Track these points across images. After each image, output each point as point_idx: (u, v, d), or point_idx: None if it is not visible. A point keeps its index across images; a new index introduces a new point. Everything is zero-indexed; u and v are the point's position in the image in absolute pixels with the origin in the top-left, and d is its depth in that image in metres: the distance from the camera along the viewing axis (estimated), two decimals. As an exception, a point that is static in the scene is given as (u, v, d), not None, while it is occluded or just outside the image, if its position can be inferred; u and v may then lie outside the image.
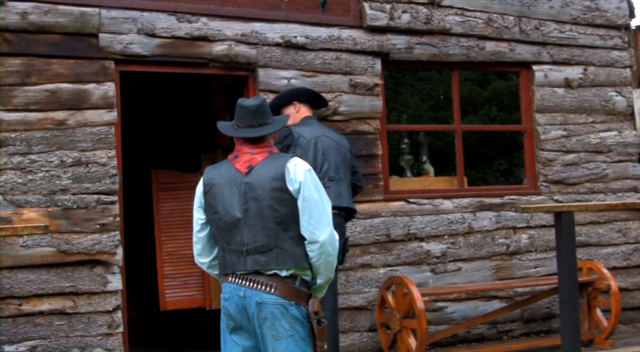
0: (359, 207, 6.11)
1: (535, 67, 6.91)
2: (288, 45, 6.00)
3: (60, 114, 5.30)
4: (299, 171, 3.15)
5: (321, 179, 3.81)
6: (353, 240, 6.06)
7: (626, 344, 6.18)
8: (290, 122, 4.96)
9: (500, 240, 6.60)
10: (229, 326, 3.21)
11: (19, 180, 5.16)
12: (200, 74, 5.94)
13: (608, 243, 7.02)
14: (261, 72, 5.90)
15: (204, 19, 5.76)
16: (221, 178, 3.24)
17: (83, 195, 5.28)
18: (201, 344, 6.67)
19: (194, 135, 8.63)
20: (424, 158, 8.13)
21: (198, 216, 3.32)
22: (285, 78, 5.96)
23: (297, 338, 3.08)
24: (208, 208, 3.27)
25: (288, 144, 4.90)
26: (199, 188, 3.32)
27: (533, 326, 6.73)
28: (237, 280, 3.17)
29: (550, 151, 6.87)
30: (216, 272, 3.38)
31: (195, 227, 3.33)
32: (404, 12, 6.41)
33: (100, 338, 5.25)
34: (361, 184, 5.32)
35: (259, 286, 3.11)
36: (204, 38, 5.74)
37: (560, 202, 6.76)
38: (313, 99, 5.28)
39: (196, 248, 3.36)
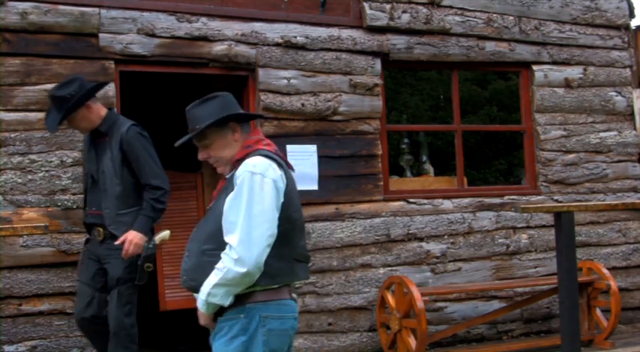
0: (359, 207, 6.12)
1: (535, 67, 6.90)
2: (288, 45, 6.00)
3: (60, 114, 5.29)
4: None
5: None
6: (353, 240, 6.07)
7: (626, 344, 6.18)
8: (88, 125, 4.55)
9: (500, 240, 6.60)
10: (282, 350, 2.81)
11: (19, 180, 5.16)
12: (200, 74, 5.95)
13: (608, 243, 7.02)
14: (261, 72, 5.90)
15: (204, 19, 5.76)
16: (289, 173, 2.91)
17: (83, 195, 5.27)
18: (201, 344, 6.67)
19: (194, 135, 8.61)
20: (424, 158, 8.14)
21: (277, 215, 2.75)
22: (285, 78, 5.96)
23: None
24: (288, 205, 2.80)
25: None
26: (280, 182, 2.79)
27: (533, 326, 6.73)
28: (292, 295, 2.86)
29: (550, 151, 6.87)
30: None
31: (273, 228, 2.71)
32: (404, 12, 6.41)
33: (100, 338, 5.24)
34: (155, 183, 4.48)
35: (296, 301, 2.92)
36: (204, 38, 5.74)
37: (560, 202, 6.76)
38: (98, 89, 4.73)
39: (265, 252, 2.69)
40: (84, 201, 4.75)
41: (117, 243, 4.37)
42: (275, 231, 2.71)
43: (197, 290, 2.77)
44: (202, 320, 2.82)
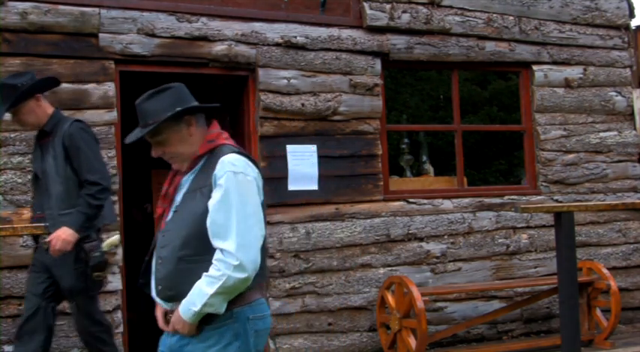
0: (359, 207, 6.12)
1: (535, 67, 6.90)
2: (288, 45, 6.00)
3: (60, 114, 5.28)
4: None
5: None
6: (353, 240, 6.06)
7: (626, 344, 6.18)
8: (35, 120, 4.35)
9: (500, 240, 6.60)
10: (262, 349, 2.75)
11: (19, 180, 5.16)
12: (200, 74, 5.94)
13: (608, 243, 7.02)
14: (261, 72, 5.90)
15: (204, 19, 5.76)
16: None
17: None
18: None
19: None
20: (424, 158, 8.13)
21: (262, 213, 2.66)
22: (285, 78, 5.96)
23: None
24: (264, 203, 2.71)
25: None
26: (259, 180, 2.69)
27: (533, 326, 6.73)
28: (263, 292, 2.76)
29: (550, 151, 6.87)
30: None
31: (263, 228, 2.63)
32: (404, 12, 6.41)
33: (100, 338, 5.24)
34: (92, 179, 4.24)
35: None
36: (204, 38, 5.74)
37: (560, 202, 6.76)
38: (50, 85, 4.57)
39: (259, 253, 2.59)
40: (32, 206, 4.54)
41: (46, 240, 4.15)
42: (264, 230, 2.60)
43: (176, 299, 2.60)
44: (185, 330, 2.58)
